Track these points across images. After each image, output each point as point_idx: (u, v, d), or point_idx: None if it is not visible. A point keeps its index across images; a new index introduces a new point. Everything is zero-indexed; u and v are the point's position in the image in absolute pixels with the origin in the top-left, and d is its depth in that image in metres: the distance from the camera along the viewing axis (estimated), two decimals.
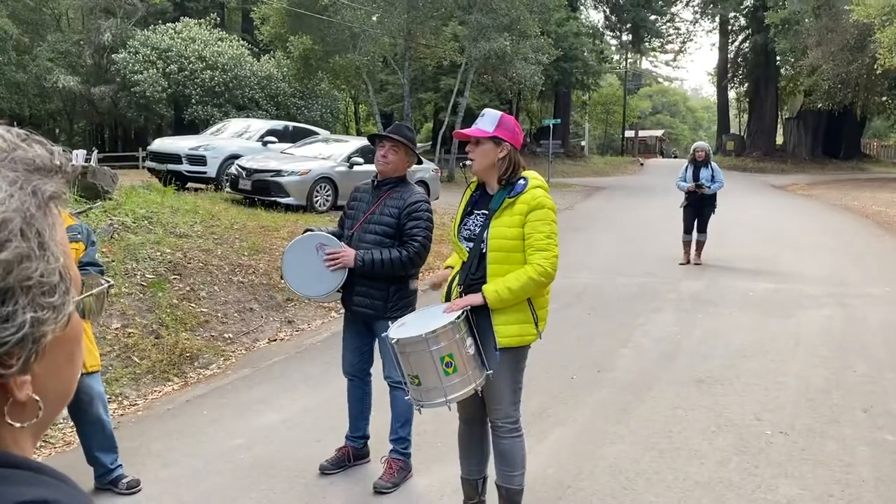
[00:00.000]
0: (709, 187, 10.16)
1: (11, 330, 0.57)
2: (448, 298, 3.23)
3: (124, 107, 27.65)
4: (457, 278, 3.20)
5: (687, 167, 10.43)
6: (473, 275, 3.12)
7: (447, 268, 3.40)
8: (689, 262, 10.35)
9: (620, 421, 4.65)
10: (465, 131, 3.16)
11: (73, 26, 31.51)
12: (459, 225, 3.24)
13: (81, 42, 29.05)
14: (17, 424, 0.61)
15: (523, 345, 3.12)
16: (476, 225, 3.16)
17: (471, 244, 3.15)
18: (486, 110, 3.24)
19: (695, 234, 10.37)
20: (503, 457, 3.23)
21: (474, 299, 3.04)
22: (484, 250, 3.09)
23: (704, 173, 10.21)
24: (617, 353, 6.17)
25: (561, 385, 5.28)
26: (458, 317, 3.00)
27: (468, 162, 3.18)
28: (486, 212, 3.13)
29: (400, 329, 3.14)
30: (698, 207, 10.31)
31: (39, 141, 0.65)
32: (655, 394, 5.15)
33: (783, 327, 6.94)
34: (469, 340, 3.03)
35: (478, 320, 3.07)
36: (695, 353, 6.12)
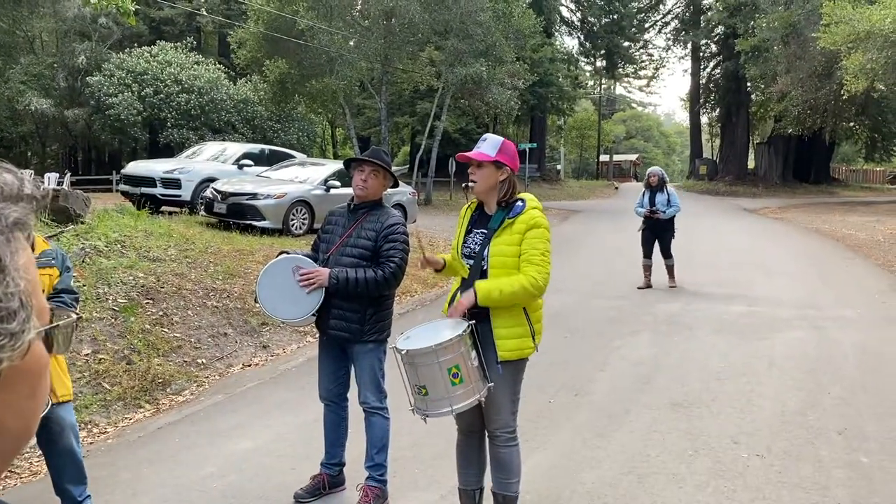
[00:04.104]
0: (664, 212, 10.27)
1: None
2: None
3: (98, 130, 27.39)
4: (458, 294, 3.31)
5: (644, 192, 10.55)
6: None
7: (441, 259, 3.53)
8: (648, 286, 10.35)
9: (598, 445, 4.63)
10: (469, 154, 3.27)
11: (47, 49, 31.24)
12: (460, 243, 3.36)
13: (55, 65, 28.81)
14: None
15: (522, 358, 3.27)
16: (476, 243, 3.31)
17: (471, 261, 3.29)
18: (488, 135, 3.39)
19: (660, 258, 10.45)
20: (500, 465, 3.34)
21: (468, 298, 3.16)
22: (485, 267, 3.24)
23: (660, 198, 10.32)
24: (594, 376, 6.17)
25: (538, 408, 5.25)
26: (465, 329, 3.11)
27: (471, 184, 3.29)
28: (486, 231, 3.28)
29: (407, 341, 3.21)
30: (656, 232, 10.38)
31: (9, 169, 0.63)
32: (633, 417, 5.15)
33: (758, 350, 7.00)
34: (473, 353, 3.15)
35: (481, 334, 3.18)
36: (671, 377, 6.13)
